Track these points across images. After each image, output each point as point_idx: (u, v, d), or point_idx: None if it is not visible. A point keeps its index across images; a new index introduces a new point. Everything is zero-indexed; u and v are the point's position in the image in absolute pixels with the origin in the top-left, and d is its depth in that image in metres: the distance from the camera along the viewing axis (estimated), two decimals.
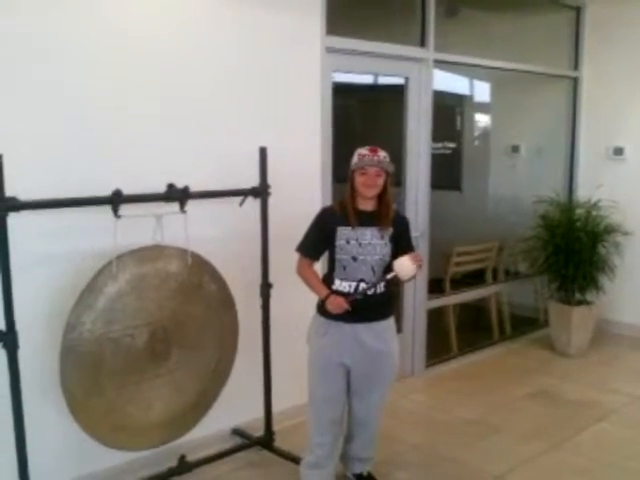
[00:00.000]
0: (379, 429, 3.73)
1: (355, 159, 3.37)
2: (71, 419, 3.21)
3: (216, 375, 3.77)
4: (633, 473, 4.00)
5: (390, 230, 3.41)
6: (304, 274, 3.51)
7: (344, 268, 3.39)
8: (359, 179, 3.35)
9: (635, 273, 6.42)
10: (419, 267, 3.35)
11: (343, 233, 3.38)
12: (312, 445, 3.57)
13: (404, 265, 3.31)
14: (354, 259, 3.37)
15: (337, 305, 3.31)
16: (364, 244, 3.36)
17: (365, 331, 3.40)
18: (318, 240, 3.47)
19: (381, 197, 3.40)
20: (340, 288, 3.39)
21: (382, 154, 3.35)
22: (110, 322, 3.26)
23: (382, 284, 3.41)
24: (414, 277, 3.46)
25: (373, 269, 3.37)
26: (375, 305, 3.42)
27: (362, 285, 3.36)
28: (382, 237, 3.39)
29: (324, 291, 3.41)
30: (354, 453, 3.72)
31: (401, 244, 3.45)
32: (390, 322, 3.53)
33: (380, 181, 3.35)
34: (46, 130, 3.34)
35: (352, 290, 3.37)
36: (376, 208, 3.42)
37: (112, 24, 3.53)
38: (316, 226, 3.51)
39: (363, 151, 3.36)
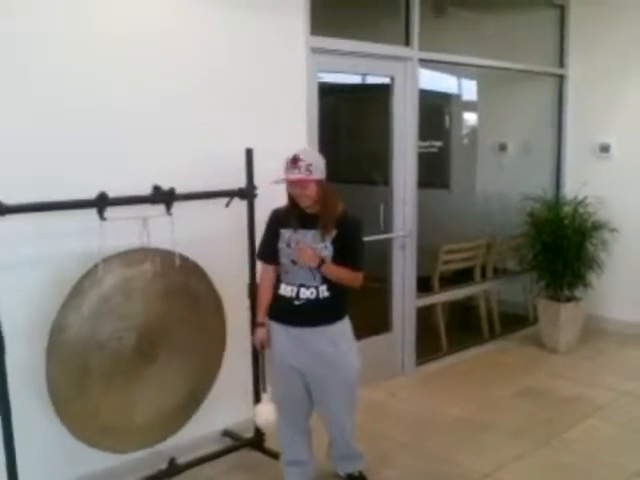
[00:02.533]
0: (353, 427, 3.67)
1: (282, 171, 3.28)
2: (58, 422, 3.21)
3: (204, 376, 3.77)
4: (622, 468, 4.02)
5: (333, 233, 3.30)
6: (258, 290, 3.55)
7: (286, 272, 3.37)
8: (291, 191, 3.31)
9: (622, 269, 6.45)
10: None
11: (285, 236, 3.34)
12: (282, 444, 3.67)
13: (262, 417, 3.48)
14: (294, 262, 3.31)
15: (258, 338, 3.48)
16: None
17: (310, 334, 3.35)
18: (270, 242, 3.43)
19: (322, 201, 3.30)
20: (284, 293, 3.37)
21: (304, 163, 3.20)
22: (97, 324, 3.26)
23: (324, 288, 3.31)
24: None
25: (313, 275, 3.30)
26: (321, 309, 3.35)
27: (303, 290, 3.32)
28: (322, 240, 3.29)
29: (260, 317, 3.47)
30: (338, 453, 3.73)
31: (342, 249, 3.31)
32: (339, 326, 3.42)
33: (309, 191, 3.24)
34: (31, 133, 3.33)
35: (294, 295, 3.33)
36: (319, 210, 3.33)
37: (96, 25, 3.53)
38: (267, 228, 3.49)
39: (287, 162, 3.25)
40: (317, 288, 3.31)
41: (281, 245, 3.34)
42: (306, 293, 3.32)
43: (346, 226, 3.33)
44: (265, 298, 3.47)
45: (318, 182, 3.24)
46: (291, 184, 3.26)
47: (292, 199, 3.34)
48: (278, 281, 3.42)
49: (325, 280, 3.31)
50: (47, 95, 3.39)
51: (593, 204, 6.11)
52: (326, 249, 3.29)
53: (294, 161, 3.22)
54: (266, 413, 3.46)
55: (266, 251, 3.47)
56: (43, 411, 3.31)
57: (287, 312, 3.37)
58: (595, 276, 6.11)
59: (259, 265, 3.65)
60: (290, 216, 3.35)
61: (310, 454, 3.67)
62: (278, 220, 3.42)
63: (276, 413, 3.44)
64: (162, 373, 3.55)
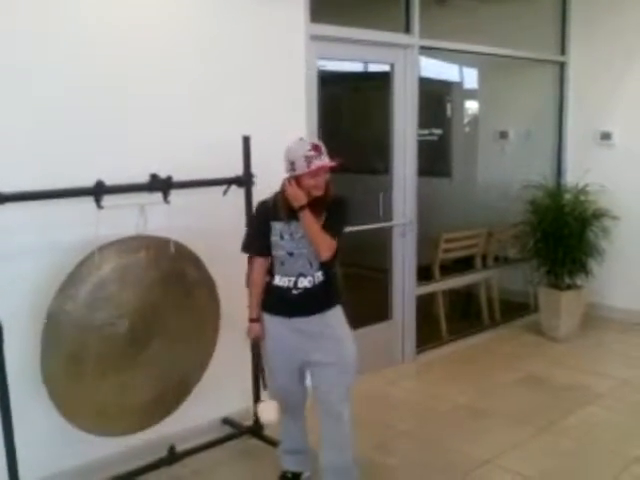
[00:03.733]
0: (349, 433, 3.42)
1: (300, 162, 3.13)
2: (55, 407, 3.22)
3: (197, 362, 3.79)
4: (621, 455, 4.02)
5: (323, 216, 3.25)
6: (249, 285, 3.43)
7: (282, 264, 3.30)
8: (309, 182, 3.17)
9: (623, 257, 6.44)
10: (297, 197, 3.18)
11: (276, 228, 3.28)
12: (280, 434, 3.69)
13: (264, 416, 3.43)
14: (290, 254, 3.27)
15: (252, 334, 3.41)
16: (297, 238, 3.24)
17: (307, 322, 3.31)
18: (260, 235, 3.33)
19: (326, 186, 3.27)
20: (280, 283, 3.31)
21: (324, 149, 3.19)
22: (92, 311, 3.26)
23: (320, 274, 3.28)
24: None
25: (310, 262, 3.26)
26: (316, 296, 3.31)
27: (301, 279, 3.27)
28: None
29: (254, 313, 3.40)
30: (327, 461, 3.43)
31: (325, 222, 3.25)
32: (332, 312, 3.37)
33: (324, 178, 3.23)
34: (27, 122, 3.33)
35: (291, 285, 3.28)
36: (309, 198, 3.23)
37: (96, 15, 3.51)
38: (256, 221, 3.42)
39: (307, 152, 3.14)
40: (313, 275, 3.28)
41: (274, 238, 3.28)
42: (304, 282, 3.28)
43: (333, 205, 3.28)
44: (257, 292, 3.39)
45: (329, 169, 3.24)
46: (322, 171, 3.19)
47: (284, 191, 3.25)
48: (270, 274, 3.36)
49: (320, 267, 3.28)
50: (44, 84, 3.37)
51: (594, 192, 6.09)
52: None
53: (317, 148, 3.17)
54: (268, 410, 3.43)
55: (257, 244, 3.36)
56: (42, 399, 3.31)
57: (283, 303, 3.32)
58: (596, 264, 6.09)
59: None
60: (280, 208, 3.26)
61: (305, 442, 3.66)
62: (267, 212, 3.32)
63: (278, 410, 3.42)
64: (155, 358, 3.55)
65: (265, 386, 3.54)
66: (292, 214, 3.23)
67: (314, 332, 3.31)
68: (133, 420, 3.55)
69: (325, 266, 3.30)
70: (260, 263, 3.37)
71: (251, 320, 3.40)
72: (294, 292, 3.30)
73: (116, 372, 3.41)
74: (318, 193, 3.22)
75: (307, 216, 3.18)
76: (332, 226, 3.25)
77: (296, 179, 3.19)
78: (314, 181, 3.18)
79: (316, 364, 3.35)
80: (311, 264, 3.27)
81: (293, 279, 3.29)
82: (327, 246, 3.21)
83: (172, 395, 3.71)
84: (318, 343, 3.32)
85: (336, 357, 3.32)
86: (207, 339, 3.83)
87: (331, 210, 3.27)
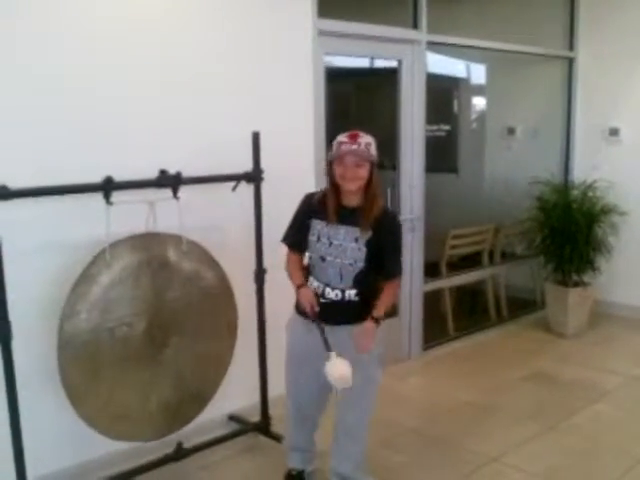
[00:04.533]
0: (363, 449, 3.37)
1: (334, 148, 3.01)
2: (67, 407, 3.21)
3: (215, 363, 3.77)
4: (629, 453, 4.01)
5: (369, 233, 3.02)
6: (287, 266, 3.25)
7: (314, 267, 3.14)
8: (337, 170, 2.99)
9: (631, 253, 6.42)
10: (365, 348, 2.98)
11: (316, 227, 3.10)
12: (287, 429, 3.60)
13: (335, 372, 2.96)
14: (322, 259, 3.09)
15: (305, 299, 3.08)
16: (335, 244, 3.05)
17: (333, 331, 3.08)
18: (299, 230, 3.18)
19: (366, 191, 3.04)
20: (313, 286, 3.14)
21: (364, 140, 2.98)
22: (106, 311, 3.25)
23: (353, 293, 3.08)
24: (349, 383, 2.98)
25: (341, 274, 3.06)
26: (347, 312, 3.11)
27: (328, 290, 3.08)
28: (356, 240, 3.03)
29: (298, 280, 3.15)
30: (333, 466, 3.36)
31: (380, 252, 3.04)
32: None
33: (362, 172, 2.98)
34: (36, 117, 3.32)
35: (320, 292, 3.10)
36: (360, 204, 3.06)
37: (104, 11, 3.50)
38: (298, 215, 3.23)
39: (342, 138, 2.99)
40: (343, 292, 3.07)
41: (311, 238, 3.10)
42: (331, 294, 3.09)
43: (385, 226, 3.05)
44: (297, 268, 3.20)
45: (372, 166, 3.01)
46: (348, 157, 2.96)
47: (334, 186, 3.06)
48: (308, 272, 3.19)
49: (355, 284, 3.06)
50: (52, 80, 3.36)
51: (602, 188, 6.06)
52: (359, 250, 3.03)
53: (353, 137, 2.97)
54: (339, 367, 2.96)
55: (292, 237, 3.23)
56: (51, 396, 3.32)
57: (328, 312, 3.10)
58: (604, 260, 6.08)
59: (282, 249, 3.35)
60: (325, 206, 3.07)
61: (312, 442, 3.58)
62: (312, 208, 3.15)
63: (350, 367, 2.96)
64: (173, 360, 3.54)
65: (330, 348, 3.04)
66: (338, 217, 3.05)
67: (337, 342, 3.04)
68: (153, 425, 3.55)
69: (364, 279, 3.07)
70: (294, 260, 3.24)
71: (298, 286, 3.14)
72: (322, 300, 3.11)
73: (133, 374, 3.40)
74: (348, 186, 3.00)
75: (379, 313, 3.04)
76: (395, 265, 3.08)
77: (331, 168, 3.05)
78: (341, 169, 2.98)
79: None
80: (341, 277, 3.07)
81: (322, 287, 3.11)
82: (398, 292, 3.17)
83: (192, 398, 3.69)
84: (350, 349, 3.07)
85: (356, 371, 3.01)
86: (225, 337, 3.79)
87: (385, 236, 3.04)
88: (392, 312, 5.45)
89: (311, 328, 3.11)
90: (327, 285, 3.09)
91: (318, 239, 3.08)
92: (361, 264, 3.03)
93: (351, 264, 3.04)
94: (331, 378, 2.98)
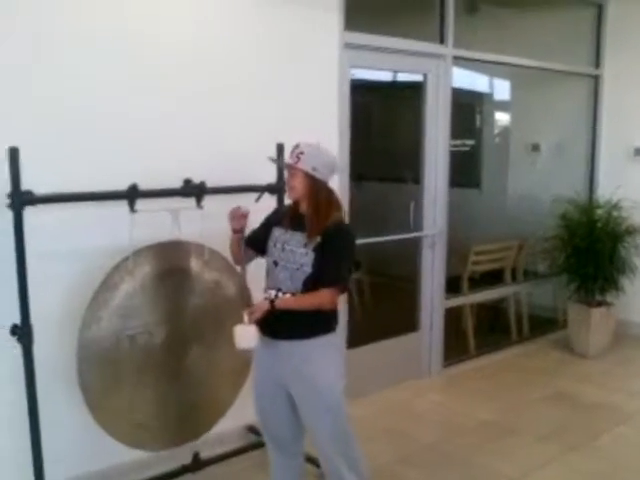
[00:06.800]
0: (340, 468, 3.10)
1: None
2: (86, 414, 3.21)
3: (235, 373, 3.74)
4: None
5: (317, 239, 2.97)
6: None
7: (268, 273, 3.12)
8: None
9: None
10: (251, 318, 2.88)
11: (275, 234, 3.11)
12: (270, 474, 3.40)
13: (237, 334, 2.88)
14: (275, 264, 3.06)
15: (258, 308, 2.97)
16: (287, 249, 3.02)
17: (289, 347, 3.01)
18: (257, 232, 3.23)
19: (309, 199, 3.01)
20: (264, 296, 3.07)
21: (297, 150, 2.98)
22: (127, 318, 3.25)
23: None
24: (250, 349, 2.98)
25: (291, 278, 2.99)
26: (298, 320, 2.99)
27: (279, 295, 3.00)
28: (305, 245, 2.98)
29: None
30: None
31: (320, 257, 2.96)
32: (321, 340, 3.03)
33: (294, 182, 2.99)
34: (63, 124, 3.34)
35: (273, 298, 3.01)
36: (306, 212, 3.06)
37: (130, 21, 3.53)
38: (264, 220, 3.27)
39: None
40: (294, 295, 3.00)
41: (269, 244, 3.11)
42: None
43: (331, 235, 2.98)
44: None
45: (307, 176, 2.95)
46: (289, 170, 3.03)
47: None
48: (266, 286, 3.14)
49: (304, 290, 2.98)
50: (80, 88, 3.39)
51: (627, 207, 6.00)
52: (306, 255, 2.97)
53: (293, 148, 3.03)
54: (245, 336, 2.88)
55: (249, 236, 3.22)
56: (72, 402, 3.32)
57: (266, 321, 2.94)
58: (628, 281, 6.00)
59: None
60: (286, 214, 3.13)
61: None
62: (276, 217, 3.23)
63: (257, 336, 2.90)
64: (192, 369, 3.53)
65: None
66: (293, 224, 3.06)
67: (293, 363, 3.01)
68: (169, 433, 3.53)
69: (313, 287, 2.97)
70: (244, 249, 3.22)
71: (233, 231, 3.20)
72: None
73: (152, 381, 3.39)
74: (290, 195, 3.06)
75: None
76: (327, 271, 2.96)
77: None
78: (288, 179, 3.05)
79: (297, 397, 3.08)
80: (292, 281, 3.00)
81: (273, 293, 3.04)
82: (324, 301, 2.96)
83: (210, 407, 3.68)
84: (297, 377, 3.02)
85: (314, 397, 3.01)
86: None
87: (329, 243, 2.97)
88: (413, 327, 5.43)
89: (267, 342, 3.02)
90: (279, 290, 3.03)
91: (274, 244, 3.09)
92: (308, 269, 2.97)
93: (298, 268, 2.99)
94: (237, 344, 2.90)
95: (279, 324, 2.98)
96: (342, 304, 3.13)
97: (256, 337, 2.89)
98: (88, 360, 3.15)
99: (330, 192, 3.05)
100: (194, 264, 3.50)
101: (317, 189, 2.99)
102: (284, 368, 3.04)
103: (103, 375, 3.22)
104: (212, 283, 3.58)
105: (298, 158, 2.96)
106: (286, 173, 3.10)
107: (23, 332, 2.96)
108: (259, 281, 3.19)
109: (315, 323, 3.02)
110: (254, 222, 3.27)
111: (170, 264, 3.41)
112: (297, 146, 3.01)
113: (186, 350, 3.50)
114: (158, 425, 3.45)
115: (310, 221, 3.00)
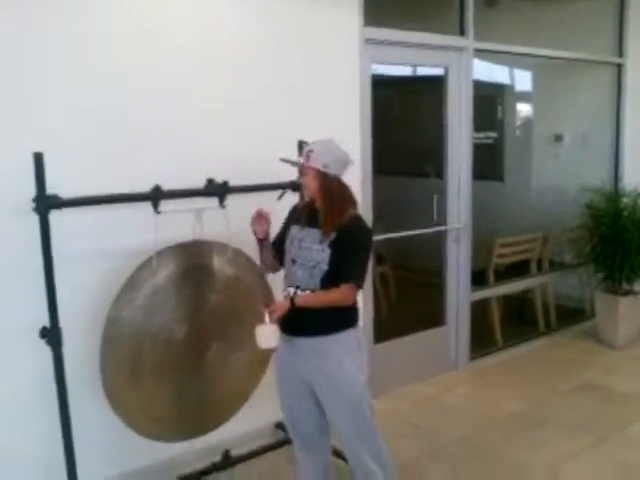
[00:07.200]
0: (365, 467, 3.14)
1: None
2: (111, 414, 3.24)
3: (253, 369, 3.75)
4: None
5: (332, 235, 2.97)
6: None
7: (287, 273, 3.13)
8: None
9: None
10: (272, 317, 2.89)
11: (292, 232, 3.12)
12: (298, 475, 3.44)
13: (258, 334, 2.90)
14: (293, 262, 3.06)
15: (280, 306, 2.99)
16: (304, 246, 3.02)
17: (311, 344, 3.03)
18: (281, 233, 3.24)
19: (322, 196, 3.02)
20: (284, 295, 3.09)
21: (307, 149, 3.02)
22: (150, 316, 3.28)
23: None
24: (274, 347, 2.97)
25: (310, 275, 2.99)
26: (317, 317, 3.00)
27: (298, 293, 3.00)
28: (320, 241, 2.98)
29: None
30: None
31: (336, 254, 2.96)
32: (341, 336, 3.03)
33: (307, 179, 3.01)
34: (86, 127, 3.38)
35: (292, 296, 3.01)
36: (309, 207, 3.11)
37: (153, 24, 3.57)
38: (284, 221, 3.29)
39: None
40: (313, 292, 3.00)
41: (286, 242, 3.12)
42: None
43: (347, 231, 2.98)
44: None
45: (318, 173, 2.97)
46: (302, 169, 3.08)
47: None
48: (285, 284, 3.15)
49: (323, 287, 2.98)
50: (104, 90, 3.43)
51: None
52: (322, 252, 2.97)
53: (303, 147, 3.10)
54: (266, 335, 2.90)
55: (274, 244, 3.25)
56: (101, 402, 3.35)
57: (285, 318, 2.96)
58: None
59: None
60: (302, 211, 3.15)
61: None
62: (293, 215, 3.24)
63: (278, 335, 2.92)
64: (213, 365, 3.55)
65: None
66: (309, 221, 3.06)
67: (315, 360, 3.03)
68: (190, 426, 3.55)
69: (330, 284, 2.97)
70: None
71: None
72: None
73: (173, 377, 3.41)
74: (305, 193, 3.11)
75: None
76: (345, 269, 2.96)
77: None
78: (302, 179, 3.09)
79: (320, 393, 3.09)
80: (310, 277, 3.00)
81: (292, 290, 3.05)
82: (342, 298, 2.97)
83: (230, 400, 3.68)
84: (318, 373, 3.04)
85: (337, 393, 3.03)
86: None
87: (345, 239, 2.97)
88: (439, 321, 5.42)
89: (289, 339, 3.05)
90: (297, 287, 3.03)
91: (292, 242, 3.10)
92: (324, 266, 2.97)
93: (314, 266, 2.99)
94: (259, 343, 2.92)
95: (298, 321, 2.99)
96: (366, 300, 3.12)
97: (278, 336, 2.92)
98: (110, 356, 3.19)
99: (344, 187, 3.05)
100: (216, 263, 3.52)
101: (329, 185, 3.00)
102: (305, 365, 3.06)
103: (124, 370, 3.25)
104: (234, 281, 3.59)
105: (308, 157, 2.99)
106: (300, 173, 3.13)
107: (52, 334, 2.98)
108: (278, 279, 3.21)
109: (334, 319, 3.03)
110: (277, 222, 3.28)
111: (193, 263, 3.43)
112: (307, 145, 3.06)
113: (209, 346, 3.52)
114: (177, 418, 3.48)
115: (324, 217, 3.01)
